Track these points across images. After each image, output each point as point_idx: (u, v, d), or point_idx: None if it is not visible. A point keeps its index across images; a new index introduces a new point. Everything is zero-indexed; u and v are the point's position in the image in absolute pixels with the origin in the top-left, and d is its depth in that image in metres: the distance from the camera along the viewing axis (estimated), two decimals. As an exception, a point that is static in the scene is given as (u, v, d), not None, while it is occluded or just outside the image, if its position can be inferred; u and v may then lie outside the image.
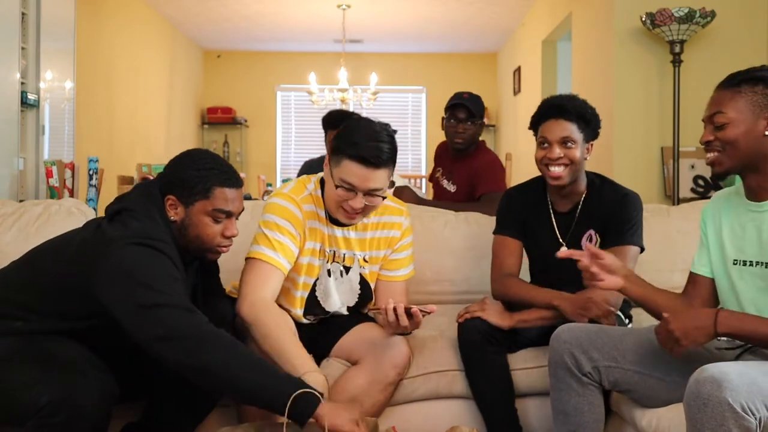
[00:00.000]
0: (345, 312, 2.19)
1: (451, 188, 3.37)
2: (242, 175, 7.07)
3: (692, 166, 4.09)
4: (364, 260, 2.14)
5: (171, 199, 1.81)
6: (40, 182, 3.54)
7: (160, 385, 1.92)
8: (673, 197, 4.02)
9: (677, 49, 3.93)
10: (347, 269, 2.13)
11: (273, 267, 1.97)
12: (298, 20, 7.50)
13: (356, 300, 2.18)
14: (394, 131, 2.01)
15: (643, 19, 3.97)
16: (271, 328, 1.88)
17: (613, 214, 2.17)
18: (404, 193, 3.20)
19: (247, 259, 2.00)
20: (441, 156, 3.56)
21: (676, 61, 3.95)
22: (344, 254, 2.12)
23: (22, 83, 3.47)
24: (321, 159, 3.86)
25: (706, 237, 1.85)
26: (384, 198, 2.01)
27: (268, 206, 2.04)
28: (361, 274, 2.15)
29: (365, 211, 2.00)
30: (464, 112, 3.23)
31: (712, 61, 4.12)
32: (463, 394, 2.23)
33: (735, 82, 1.70)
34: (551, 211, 2.27)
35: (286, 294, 2.11)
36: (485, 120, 3.38)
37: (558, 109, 2.15)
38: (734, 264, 1.75)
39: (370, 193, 1.95)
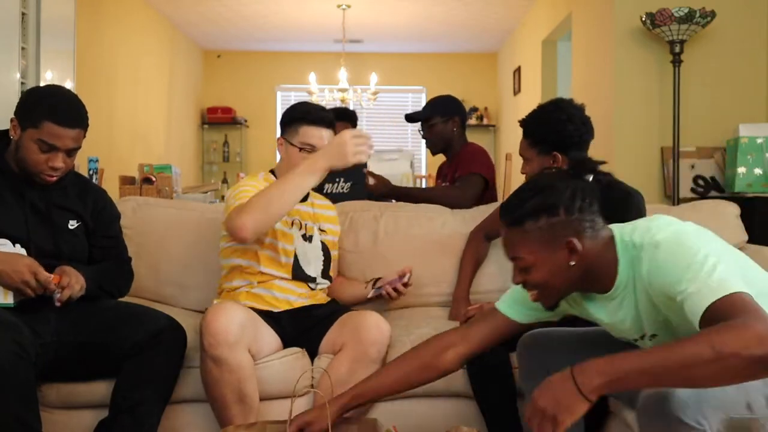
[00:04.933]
0: (322, 278, 2.39)
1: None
2: (241, 175, 7.10)
3: (692, 166, 4.09)
4: (320, 230, 2.43)
5: (14, 120, 2.00)
6: (40, 182, 3.53)
7: (121, 372, 2.00)
8: (673, 197, 4.02)
9: (677, 49, 3.93)
10: (310, 238, 2.39)
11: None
12: (298, 20, 7.50)
13: (322, 265, 2.40)
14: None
15: (643, 19, 3.97)
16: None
17: (614, 213, 2.15)
18: (377, 186, 3.23)
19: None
20: (440, 169, 3.62)
21: (676, 61, 3.95)
22: (306, 224, 2.39)
23: (22, 83, 3.47)
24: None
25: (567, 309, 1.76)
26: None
27: (237, 185, 2.28)
28: (322, 241, 2.42)
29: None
30: (419, 120, 3.44)
31: (712, 61, 4.13)
32: (463, 393, 2.23)
33: (516, 219, 1.53)
34: None
35: (273, 261, 2.31)
36: (454, 117, 3.37)
37: (522, 127, 2.31)
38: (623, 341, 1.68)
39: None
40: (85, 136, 2.03)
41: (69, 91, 2.09)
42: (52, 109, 1.95)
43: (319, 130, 2.32)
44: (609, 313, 1.62)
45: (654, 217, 1.59)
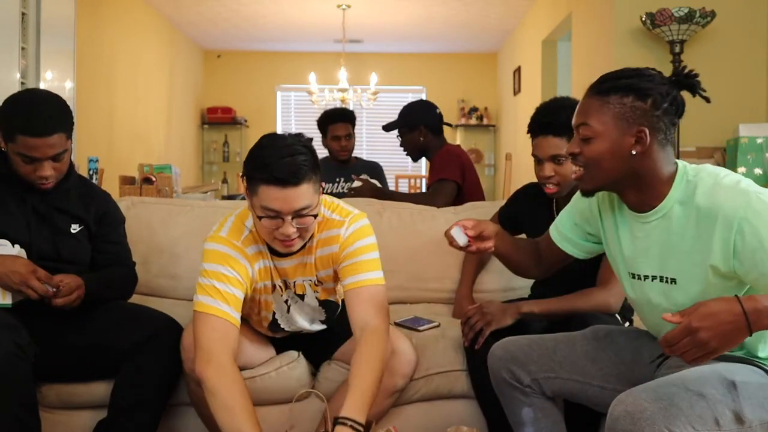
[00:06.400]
0: (318, 328, 2.13)
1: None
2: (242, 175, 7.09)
3: (692, 166, 4.08)
4: (315, 284, 2.02)
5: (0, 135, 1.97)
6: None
7: (119, 373, 1.99)
8: (673, 197, 4.02)
9: (677, 49, 3.93)
10: (302, 296, 2.03)
11: (228, 323, 1.82)
12: (298, 20, 7.50)
13: (325, 316, 2.12)
14: (310, 139, 1.82)
15: (643, 19, 3.97)
16: (230, 406, 1.72)
17: None
18: (363, 191, 3.27)
19: (197, 312, 1.84)
20: None
21: (676, 61, 3.95)
22: (294, 282, 2.00)
23: (22, 83, 3.47)
24: (321, 160, 3.86)
25: (598, 228, 1.74)
26: (315, 216, 1.82)
27: (209, 254, 1.88)
28: (316, 298, 2.05)
29: (301, 234, 1.81)
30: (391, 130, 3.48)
31: (712, 61, 4.12)
32: (464, 394, 2.23)
33: (604, 89, 1.53)
34: (554, 208, 2.29)
35: (253, 321, 2.11)
36: (418, 127, 3.39)
37: (546, 126, 2.12)
38: (631, 277, 1.65)
39: (298, 214, 1.76)
40: (69, 137, 1.97)
41: (42, 94, 2.00)
42: (22, 121, 1.88)
43: (279, 191, 1.72)
44: (633, 236, 1.60)
45: (717, 168, 1.55)
